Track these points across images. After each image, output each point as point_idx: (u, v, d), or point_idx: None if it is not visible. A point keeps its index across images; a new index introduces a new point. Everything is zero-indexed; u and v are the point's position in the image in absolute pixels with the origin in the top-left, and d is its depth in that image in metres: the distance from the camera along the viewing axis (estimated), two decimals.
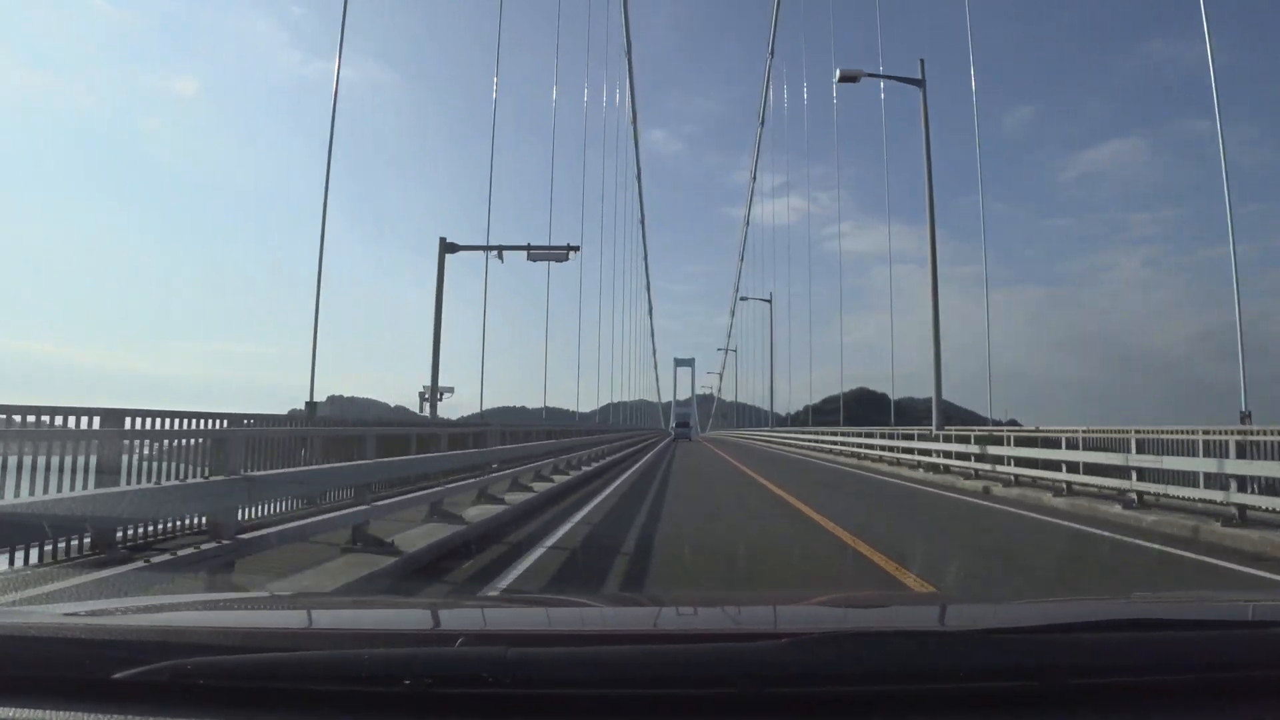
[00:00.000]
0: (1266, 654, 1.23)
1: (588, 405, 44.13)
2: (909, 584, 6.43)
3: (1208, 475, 10.39)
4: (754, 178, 64.88)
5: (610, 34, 44.98)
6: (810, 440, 37.80)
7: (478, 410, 22.92)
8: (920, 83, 23.83)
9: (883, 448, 24.90)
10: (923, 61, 24.33)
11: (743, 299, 57.63)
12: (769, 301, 53.92)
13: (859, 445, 27.87)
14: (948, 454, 19.01)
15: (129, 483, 5.94)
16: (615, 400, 62.29)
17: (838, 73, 23.59)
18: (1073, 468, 13.63)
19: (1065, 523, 11.02)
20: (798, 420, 56.45)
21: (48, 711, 1.07)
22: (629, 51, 50.59)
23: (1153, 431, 12.13)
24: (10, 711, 1.07)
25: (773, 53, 53.23)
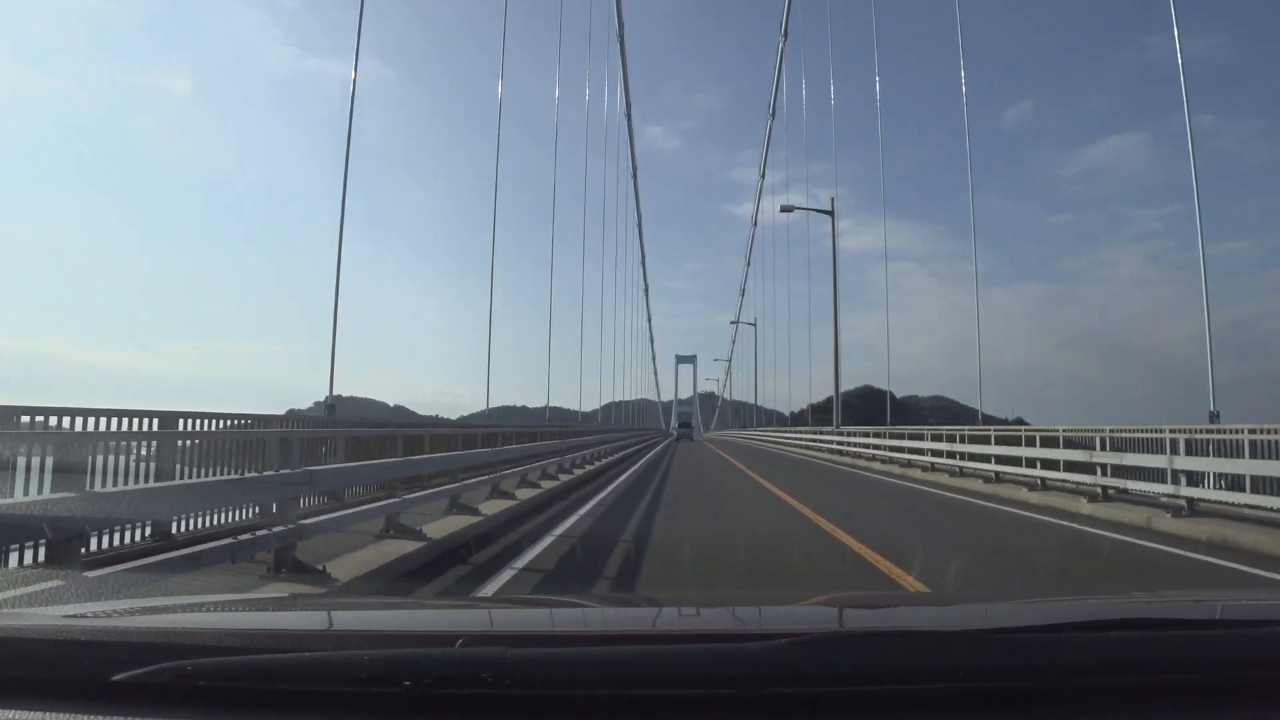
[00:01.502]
0: (1266, 654, 1.23)
1: (589, 405, 43.41)
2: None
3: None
4: (773, 114, 57.08)
5: (605, 23, 44.09)
6: (833, 441, 31.89)
7: (478, 411, 22.60)
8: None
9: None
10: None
11: (785, 209, 37.00)
12: (830, 213, 33.30)
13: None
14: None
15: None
16: (616, 400, 61.26)
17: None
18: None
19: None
20: (800, 419, 54.93)
21: (48, 713, 1.07)
22: (621, 37, 47.58)
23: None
24: (11, 713, 1.07)
25: None
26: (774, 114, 56.15)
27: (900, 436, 23.78)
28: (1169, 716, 1.12)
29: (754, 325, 68.50)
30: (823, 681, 1.13)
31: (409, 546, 7.18)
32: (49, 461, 5.24)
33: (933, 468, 20.06)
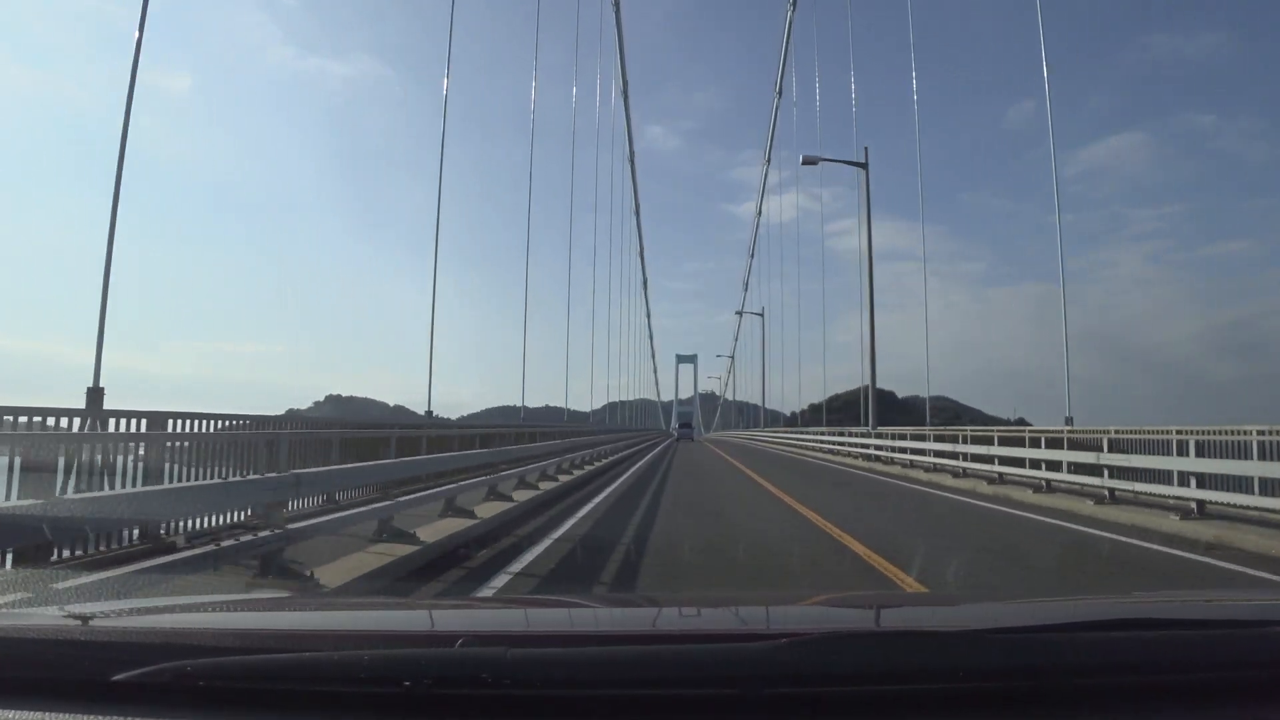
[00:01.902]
0: (1266, 654, 1.23)
1: (591, 405, 42.64)
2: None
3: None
4: (779, 92, 52.93)
5: (602, 18, 42.36)
6: (868, 445, 25.02)
7: (479, 410, 21.95)
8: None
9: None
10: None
11: (809, 161, 28.53)
12: (864, 166, 27.27)
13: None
14: None
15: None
16: (617, 400, 60.41)
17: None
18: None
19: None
20: (798, 420, 53.84)
21: (48, 713, 1.07)
22: (618, 28, 45.86)
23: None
24: (11, 713, 1.07)
25: None
26: (780, 93, 52.73)
27: (987, 440, 16.90)
28: (1169, 716, 1.12)
29: (761, 315, 62.80)
30: (823, 681, 1.12)
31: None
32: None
33: (1048, 486, 13.95)
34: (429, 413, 16.97)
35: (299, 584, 5.53)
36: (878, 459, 23.88)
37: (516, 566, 7.10)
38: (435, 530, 8.22)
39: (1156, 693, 1.15)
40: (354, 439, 11.14)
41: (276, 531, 5.59)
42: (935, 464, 19.46)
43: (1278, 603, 2.36)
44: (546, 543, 8.62)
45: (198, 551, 4.96)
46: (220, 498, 6.57)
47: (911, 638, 1.25)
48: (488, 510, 10.26)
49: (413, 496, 8.48)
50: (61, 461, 5.49)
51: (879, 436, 25.01)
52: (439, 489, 9.72)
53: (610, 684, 1.13)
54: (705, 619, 1.92)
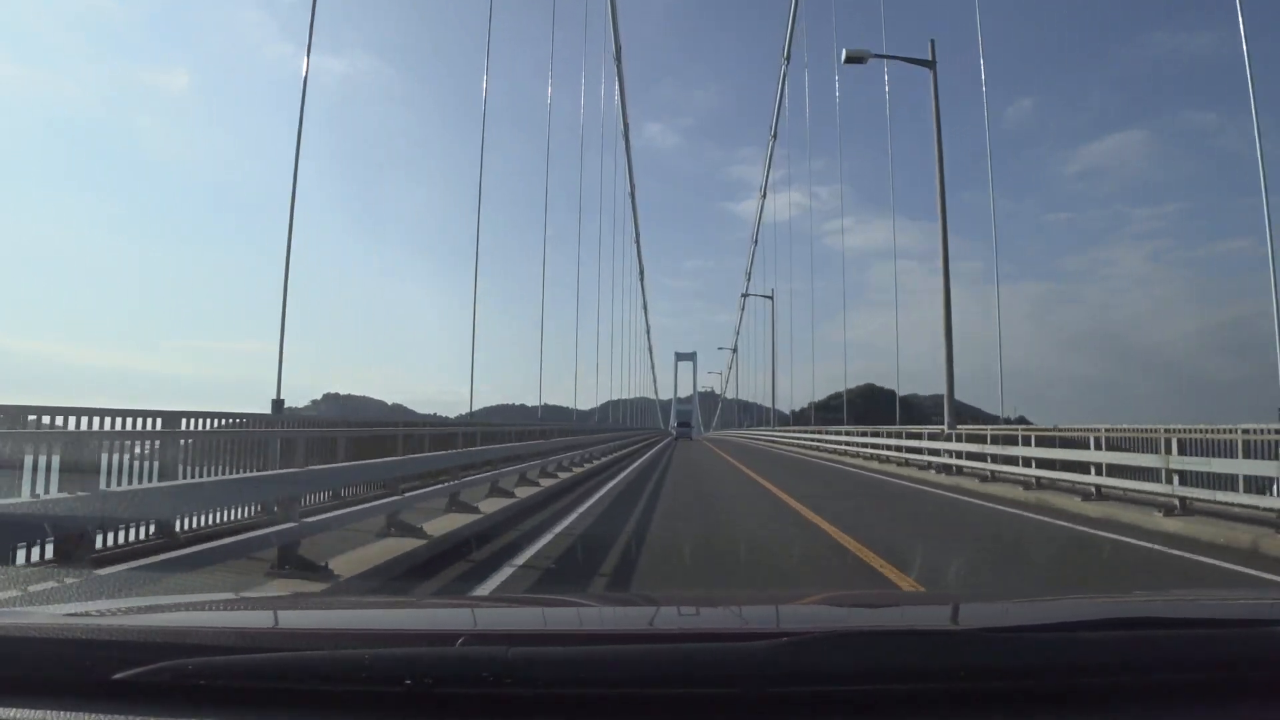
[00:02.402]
0: (1266, 654, 1.23)
1: (576, 402, 40.90)
2: None
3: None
4: (788, 58, 47.55)
5: (599, 13, 40.08)
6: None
7: (478, 409, 20.75)
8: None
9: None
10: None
11: (853, 58, 21.95)
12: (930, 64, 21.50)
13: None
14: None
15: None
16: (615, 398, 59.21)
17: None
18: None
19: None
20: (802, 419, 52.84)
21: (49, 712, 1.07)
22: (614, 25, 43.37)
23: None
24: (11, 712, 1.07)
25: None
26: (789, 58, 46.94)
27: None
28: (1169, 716, 1.12)
29: (770, 298, 57.46)
30: (823, 681, 1.12)
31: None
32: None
33: None
34: (279, 402, 11.48)
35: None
36: (960, 471, 17.81)
37: None
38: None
39: (1157, 692, 1.15)
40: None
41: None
42: (1073, 483, 13.44)
43: (1276, 603, 2.36)
44: None
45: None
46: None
47: (911, 637, 1.25)
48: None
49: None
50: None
51: (966, 440, 17.96)
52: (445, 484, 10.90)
53: (611, 683, 1.13)
54: (705, 618, 1.92)
